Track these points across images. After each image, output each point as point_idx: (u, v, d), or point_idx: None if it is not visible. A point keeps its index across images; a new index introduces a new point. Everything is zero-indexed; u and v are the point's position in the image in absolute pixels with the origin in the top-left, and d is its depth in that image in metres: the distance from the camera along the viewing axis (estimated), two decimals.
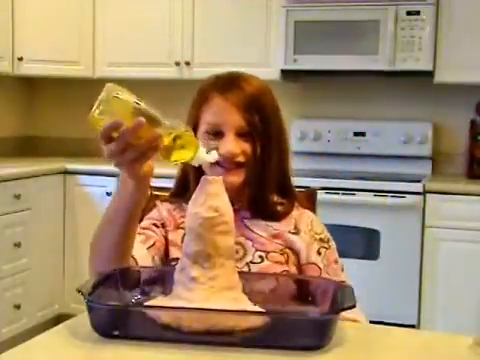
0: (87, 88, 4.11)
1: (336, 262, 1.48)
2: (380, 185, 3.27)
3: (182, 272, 1.16)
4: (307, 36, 3.54)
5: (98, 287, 1.15)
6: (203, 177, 1.18)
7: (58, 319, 3.60)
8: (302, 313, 1.23)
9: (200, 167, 1.31)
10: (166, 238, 1.47)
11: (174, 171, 1.55)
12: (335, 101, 3.90)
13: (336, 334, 1.09)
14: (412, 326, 3.19)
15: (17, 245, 3.38)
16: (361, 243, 3.32)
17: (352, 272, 1.55)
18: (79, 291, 1.10)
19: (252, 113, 1.40)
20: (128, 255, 1.30)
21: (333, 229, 1.58)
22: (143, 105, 1.11)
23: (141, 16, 3.87)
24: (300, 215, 1.49)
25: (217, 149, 1.31)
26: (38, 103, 4.46)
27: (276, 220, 1.47)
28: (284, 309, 1.25)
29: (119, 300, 1.20)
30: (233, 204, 1.20)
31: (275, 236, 1.45)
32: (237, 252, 1.39)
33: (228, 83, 1.43)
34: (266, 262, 1.41)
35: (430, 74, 3.43)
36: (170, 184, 1.56)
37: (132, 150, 1.11)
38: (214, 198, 1.16)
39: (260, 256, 1.42)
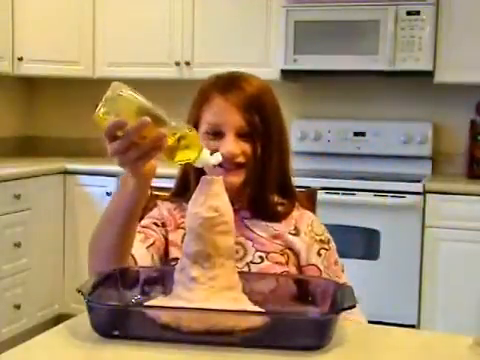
0: (87, 88, 4.13)
1: (336, 263, 1.48)
2: (380, 185, 3.27)
3: (182, 272, 1.16)
4: (307, 36, 3.54)
5: (98, 287, 1.15)
6: (203, 177, 1.18)
7: (58, 319, 3.60)
8: (302, 313, 1.23)
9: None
10: (166, 237, 1.47)
11: (174, 171, 1.55)
12: (335, 101, 3.90)
13: (336, 334, 1.09)
14: (412, 326, 3.19)
15: (17, 245, 3.38)
16: (361, 243, 3.32)
17: (352, 272, 1.56)
18: (79, 291, 1.10)
19: (252, 113, 1.40)
20: (127, 255, 1.30)
21: (333, 229, 1.58)
22: (149, 104, 1.11)
23: (141, 16, 3.87)
24: (300, 216, 1.49)
25: (218, 151, 1.31)
26: (38, 103, 4.46)
27: (276, 220, 1.46)
28: (284, 309, 1.25)
29: (119, 300, 1.20)
30: (233, 204, 1.20)
31: (275, 237, 1.45)
32: (237, 252, 1.39)
33: (228, 83, 1.43)
34: (266, 262, 1.41)
35: (430, 74, 3.43)
36: (170, 184, 1.56)
37: (136, 149, 1.11)
38: (214, 198, 1.15)
39: (260, 256, 1.42)
